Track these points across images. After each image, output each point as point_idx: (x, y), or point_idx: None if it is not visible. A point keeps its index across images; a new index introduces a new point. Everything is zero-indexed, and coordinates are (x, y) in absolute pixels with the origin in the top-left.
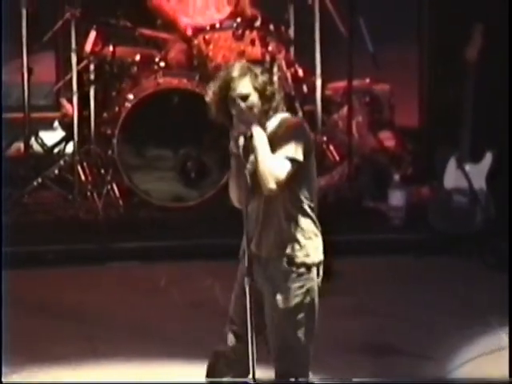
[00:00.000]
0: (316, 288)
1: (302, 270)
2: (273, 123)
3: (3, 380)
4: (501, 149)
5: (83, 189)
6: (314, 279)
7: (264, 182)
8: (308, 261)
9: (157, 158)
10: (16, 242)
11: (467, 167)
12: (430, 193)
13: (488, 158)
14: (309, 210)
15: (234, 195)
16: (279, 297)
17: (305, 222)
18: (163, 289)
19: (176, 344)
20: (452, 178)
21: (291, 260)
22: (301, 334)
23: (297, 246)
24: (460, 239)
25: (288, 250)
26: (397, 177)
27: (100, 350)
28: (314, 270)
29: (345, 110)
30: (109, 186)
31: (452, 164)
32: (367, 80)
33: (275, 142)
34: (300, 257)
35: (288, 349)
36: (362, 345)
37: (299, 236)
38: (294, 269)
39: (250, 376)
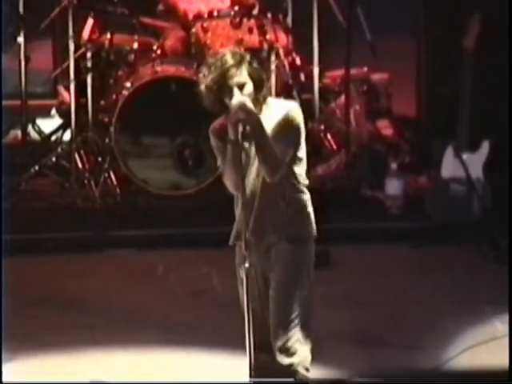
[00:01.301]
0: (313, 262)
1: (301, 246)
2: (268, 108)
3: (3, 380)
4: (498, 138)
5: (80, 176)
6: (312, 254)
7: (268, 172)
8: (306, 237)
9: (154, 145)
10: (13, 230)
11: (464, 156)
12: (428, 182)
13: (485, 147)
14: (303, 188)
15: (229, 182)
16: (285, 275)
17: (302, 201)
18: (161, 276)
19: (174, 331)
20: (449, 167)
21: (292, 237)
22: (301, 309)
23: (296, 225)
24: (457, 228)
25: (288, 230)
26: (394, 165)
27: (98, 338)
28: (312, 244)
29: (342, 98)
30: (106, 174)
31: (449, 153)
32: (365, 69)
33: (273, 127)
34: (299, 234)
35: (288, 325)
36: (358, 334)
37: (298, 215)
38: (297, 246)
39: (248, 371)
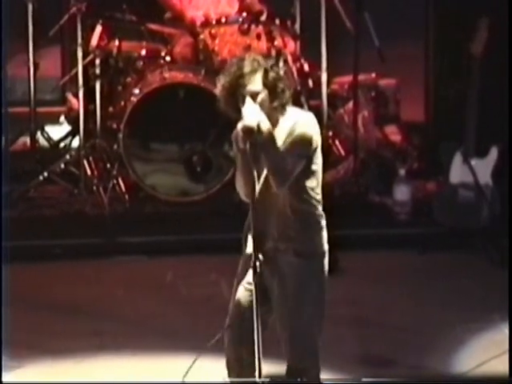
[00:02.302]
0: (325, 278)
1: (310, 260)
2: (286, 118)
3: (3, 380)
4: (507, 144)
5: (89, 183)
6: (323, 269)
7: (275, 181)
8: (316, 251)
9: (162, 152)
10: (22, 237)
11: (473, 162)
12: (436, 187)
13: (494, 153)
14: (315, 202)
15: (241, 190)
16: (289, 289)
17: (311, 215)
18: (170, 283)
19: (182, 338)
20: (458, 172)
21: (299, 251)
22: (311, 324)
23: (304, 238)
24: (465, 234)
25: (296, 242)
26: (402, 171)
27: (106, 344)
28: (322, 259)
29: (350, 104)
30: (114, 181)
31: (458, 159)
32: (373, 75)
33: (288, 138)
34: (308, 248)
35: (299, 340)
36: (367, 341)
37: (305, 229)
38: (303, 260)
39: (257, 375)
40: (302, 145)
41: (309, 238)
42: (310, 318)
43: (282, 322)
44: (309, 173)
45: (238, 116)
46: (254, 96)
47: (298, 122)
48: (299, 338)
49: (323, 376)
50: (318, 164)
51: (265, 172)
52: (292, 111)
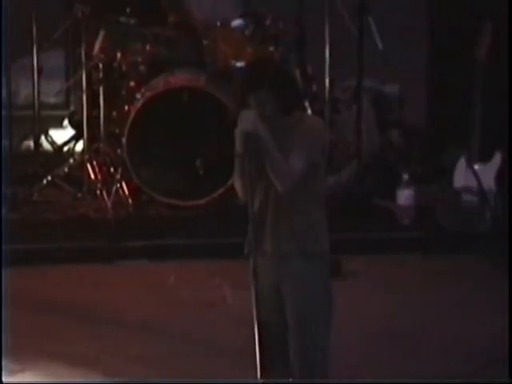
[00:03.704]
0: (330, 279)
1: (316, 261)
2: (294, 123)
3: (3, 380)
4: (510, 149)
5: (92, 187)
6: (328, 269)
7: (277, 184)
8: (322, 252)
9: (166, 156)
10: (25, 240)
11: (476, 167)
12: (439, 192)
13: (497, 158)
14: (319, 204)
15: (240, 193)
16: (297, 291)
17: (316, 214)
18: (172, 286)
19: (185, 342)
20: (461, 177)
21: (305, 252)
22: (321, 325)
23: (311, 239)
24: (469, 238)
25: (302, 243)
26: (406, 176)
27: (108, 348)
28: (327, 260)
29: (354, 108)
30: (118, 185)
31: (461, 163)
32: (377, 79)
33: (297, 142)
34: (314, 249)
35: (311, 343)
36: (370, 345)
37: (312, 228)
38: (309, 261)
39: (258, 375)
40: (311, 150)
41: (314, 239)
42: (320, 320)
43: (293, 326)
44: (316, 176)
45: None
46: (259, 101)
47: (308, 126)
48: (311, 342)
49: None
50: (323, 167)
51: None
52: (301, 115)
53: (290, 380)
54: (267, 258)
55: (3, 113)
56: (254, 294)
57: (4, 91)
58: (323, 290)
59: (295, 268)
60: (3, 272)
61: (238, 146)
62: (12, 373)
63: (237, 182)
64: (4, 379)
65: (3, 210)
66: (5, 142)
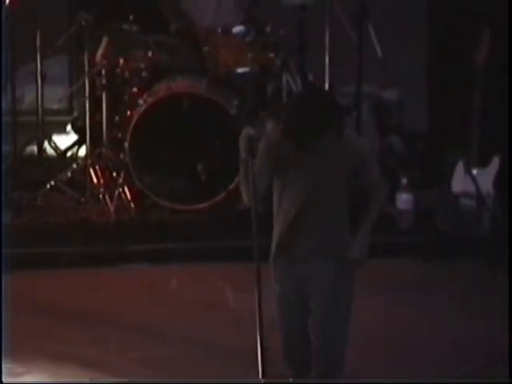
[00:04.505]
0: (353, 278)
1: (344, 262)
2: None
3: (3, 380)
4: (508, 154)
5: (95, 191)
6: (353, 270)
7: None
8: (348, 253)
9: (167, 161)
10: (29, 244)
11: (475, 171)
12: (438, 196)
13: (495, 163)
14: (346, 205)
15: (245, 197)
16: (323, 291)
17: (344, 216)
18: (174, 290)
19: (186, 344)
20: (460, 181)
21: (333, 253)
22: (343, 325)
23: (338, 240)
24: (468, 242)
25: (330, 244)
26: (405, 180)
27: (111, 350)
28: (351, 260)
29: (354, 114)
30: (120, 189)
31: (460, 168)
32: (376, 85)
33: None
34: (342, 250)
35: (333, 342)
36: (370, 342)
37: (340, 229)
38: (336, 262)
39: (260, 375)
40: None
41: (342, 240)
42: (342, 321)
43: (315, 327)
44: (350, 175)
45: None
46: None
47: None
48: (333, 343)
49: None
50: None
51: (303, 176)
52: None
53: (290, 380)
54: (294, 259)
55: (8, 119)
56: (258, 296)
57: (8, 97)
58: (348, 291)
59: (322, 268)
60: (8, 275)
61: (242, 151)
62: (17, 375)
63: (242, 186)
64: (4, 379)
65: (8, 215)
66: (9, 148)
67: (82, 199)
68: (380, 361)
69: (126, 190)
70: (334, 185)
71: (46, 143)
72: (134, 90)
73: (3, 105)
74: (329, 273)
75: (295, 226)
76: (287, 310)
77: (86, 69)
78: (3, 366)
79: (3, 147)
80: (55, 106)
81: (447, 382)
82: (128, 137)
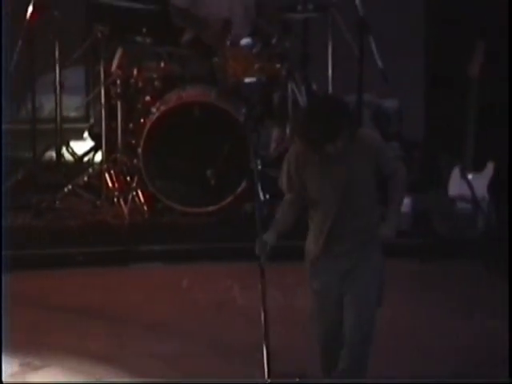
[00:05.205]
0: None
1: (377, 261)
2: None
3: (3, 380)
4: (501, 160)
5: (110, 195)
6: (383, 269)
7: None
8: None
9: (178, 166)
10: (49, 245)
11: (470, 176)
12: (435, 200)
13: (490, 168)
14: (376, 205)
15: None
16: (360, 290)
17: (376, 215)
18: (185, 289)
19: (198, 343)
20: (456, 186)
21: (369, 253)
22: (373, 321)
23: (372, 239)
24: (463, 244)
25: (366, 244)
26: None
27: (125, 346)
28: (382, 260)
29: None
30: (134, 193)
31: (456, 173)
32: (376, 94)
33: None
34: (375, 249)
35: (366, 338)
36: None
37: (373, 229)
38: (371, 260)
39: (266, 374)
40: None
41: (375, 240)
42: (373, 318)
43: (350, 325)
44: (375, 175)
45: None
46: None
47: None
48: (364, 341)
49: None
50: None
51: (339, 174)
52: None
53: (297, 380)
54: (333, 259)
55: (28, 127)
56: (262, 294)
57: (29, 106)
58: (378, 289)
59: (358, 267)
60: (28, 274)
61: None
62: (36, 368)
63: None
64: (23, 373)
65: (27, 217)
66: (29, 154)
67: (98, 202)
68: (379, 361)
69: (140, 193)
70: (363, 184)
71: (64, 149)
72: (147, 98)
73: (23, 113)
74: (364, 268)
75: (331, 230)
76: (326, 305)
77: (102, 79)
78: (22, 360)
79: (23, 153)
80: (73, 114)
81: (447, 382)
82: (141, 143)
